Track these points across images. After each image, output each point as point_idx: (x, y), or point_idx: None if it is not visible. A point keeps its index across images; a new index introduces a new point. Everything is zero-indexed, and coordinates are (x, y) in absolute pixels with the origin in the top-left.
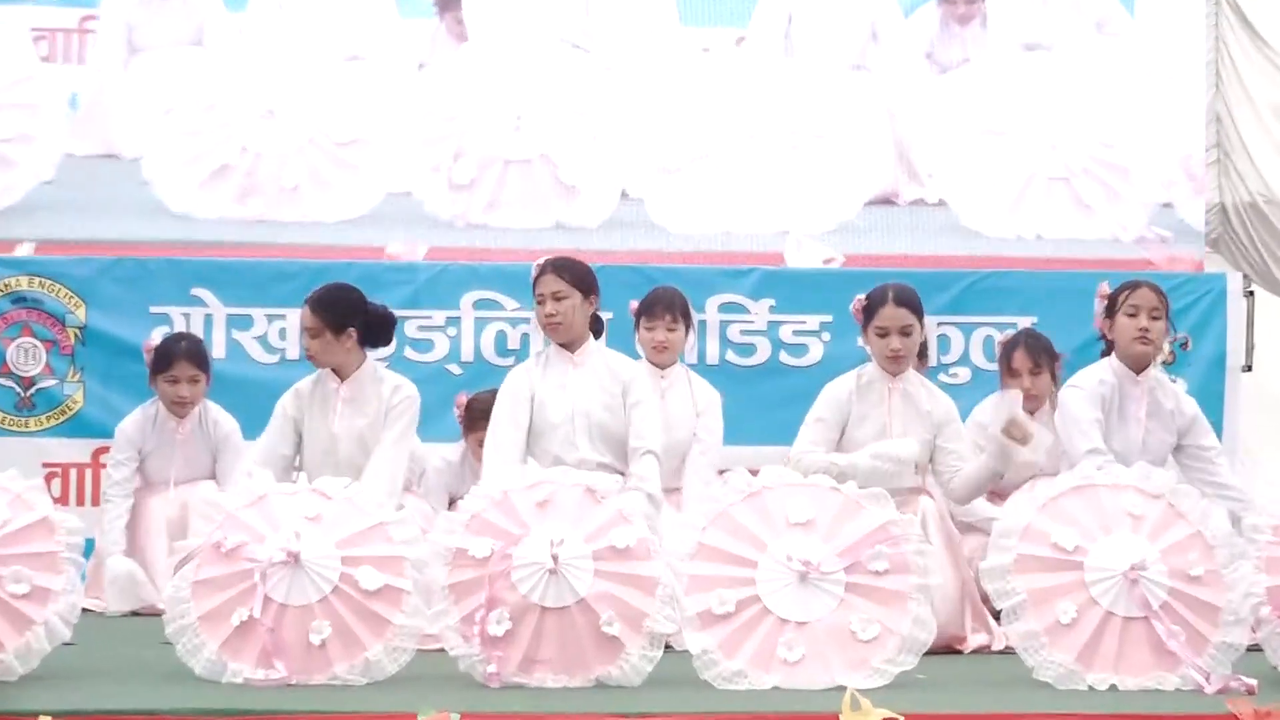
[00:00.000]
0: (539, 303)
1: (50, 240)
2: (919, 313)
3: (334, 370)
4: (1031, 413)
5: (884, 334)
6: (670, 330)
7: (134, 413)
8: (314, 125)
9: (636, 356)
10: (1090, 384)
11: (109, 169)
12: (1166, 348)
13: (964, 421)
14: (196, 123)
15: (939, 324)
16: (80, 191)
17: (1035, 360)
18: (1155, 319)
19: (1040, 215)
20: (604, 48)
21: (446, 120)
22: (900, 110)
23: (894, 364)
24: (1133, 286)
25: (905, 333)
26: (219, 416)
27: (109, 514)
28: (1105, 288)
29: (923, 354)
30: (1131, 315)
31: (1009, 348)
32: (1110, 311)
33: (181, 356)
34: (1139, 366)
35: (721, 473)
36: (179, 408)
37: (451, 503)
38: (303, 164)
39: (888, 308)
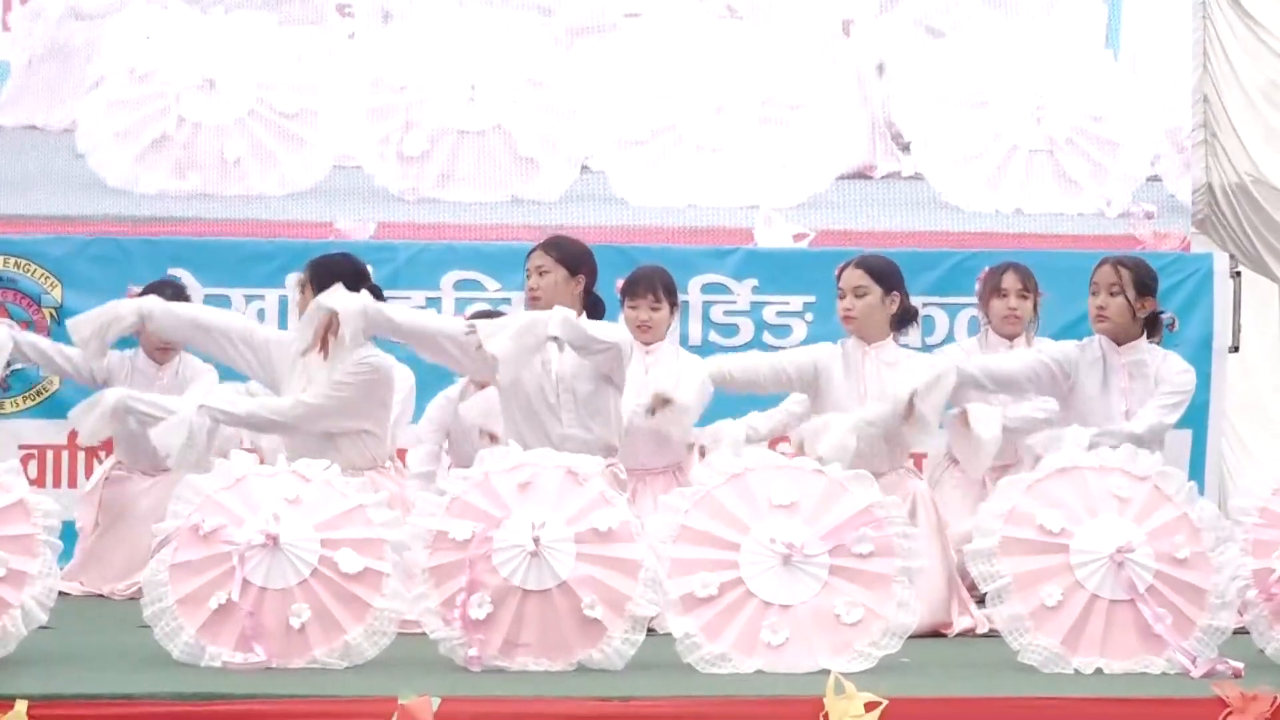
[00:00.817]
0: (527, 277)
1: None
2: (882, 279)
3: None
4: (1011, 337)
5: (841, 295)
6: (653, 309)
7: (113, 354)
8: (255, 95)
9: None
10: (1070, 347)
11: (41, 141)
12: None
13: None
14: (130, 93)
15: (924, 304)
16: (12, 164)
17: (1024, 284)
18: (1114, 295)
19: (1021, 189)
20: (564, 12)
21: (396, 90)
22: (876, 79)
23: (846, 324)
24: (1098, 264)
25: (858, 294)
26: (197, 366)
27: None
28: None
29: (904, 324)
30: (1093, 294)
31: (997, 272)
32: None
33: None
34: (1116, 339)
35: (703, 454)
36: (162, 354)
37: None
38: (244, 136)
39: (847, 270)
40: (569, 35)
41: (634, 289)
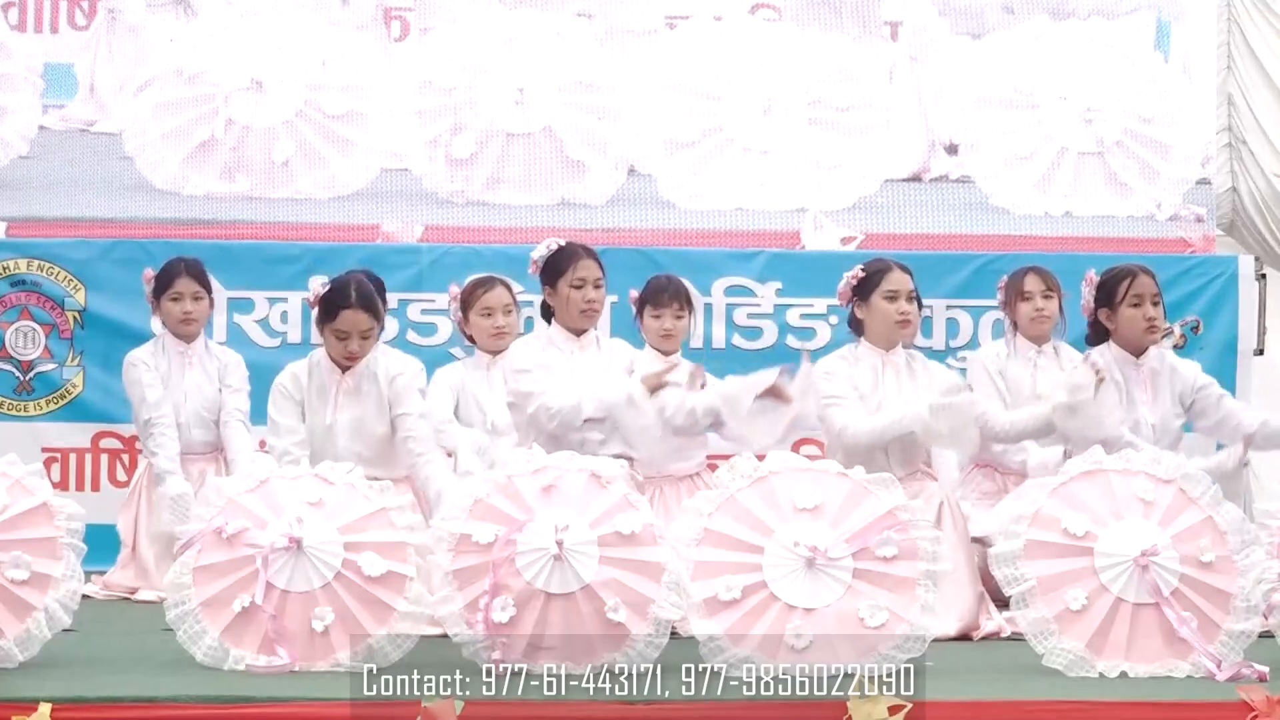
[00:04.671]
0: (577, 286)
1: (27, 218)
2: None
3: (334, 361)
4: (1039, 339)
5: (895, 297)
6: (677, 318)
7: (142, 346)
8: (304, 97)
9: (639, 343)
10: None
11: (88, 143)
12: (1178, 330)
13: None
14: (178, 94)
15: (948, 307)
16: (58, 167)
17: (1048, 285)
18: (1156, 304)
19: (1071, 192)
20: (612, 14)
21: (445, 92)
22: (925, 80)
23: (904, 330)
24: (1131, 275)
25: (910, 299)
26: (227, 357)
27: (159, 438)
28: (1093, 276)
29: None
30: (1136, 305)
31: (1018, 276)
32: (1109, 302)
33: (183, 273)
34: (1139, 351)
35: (727, 458)
36: (185, 326)
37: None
38: (292, 138)
39: (904, 275)
40: (617, 37)
41: (658, 298)
